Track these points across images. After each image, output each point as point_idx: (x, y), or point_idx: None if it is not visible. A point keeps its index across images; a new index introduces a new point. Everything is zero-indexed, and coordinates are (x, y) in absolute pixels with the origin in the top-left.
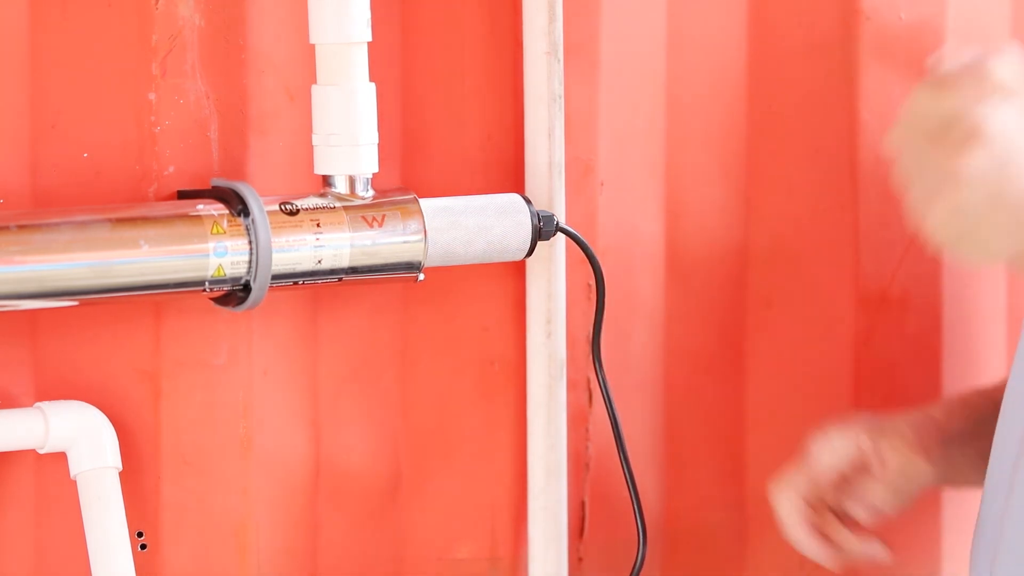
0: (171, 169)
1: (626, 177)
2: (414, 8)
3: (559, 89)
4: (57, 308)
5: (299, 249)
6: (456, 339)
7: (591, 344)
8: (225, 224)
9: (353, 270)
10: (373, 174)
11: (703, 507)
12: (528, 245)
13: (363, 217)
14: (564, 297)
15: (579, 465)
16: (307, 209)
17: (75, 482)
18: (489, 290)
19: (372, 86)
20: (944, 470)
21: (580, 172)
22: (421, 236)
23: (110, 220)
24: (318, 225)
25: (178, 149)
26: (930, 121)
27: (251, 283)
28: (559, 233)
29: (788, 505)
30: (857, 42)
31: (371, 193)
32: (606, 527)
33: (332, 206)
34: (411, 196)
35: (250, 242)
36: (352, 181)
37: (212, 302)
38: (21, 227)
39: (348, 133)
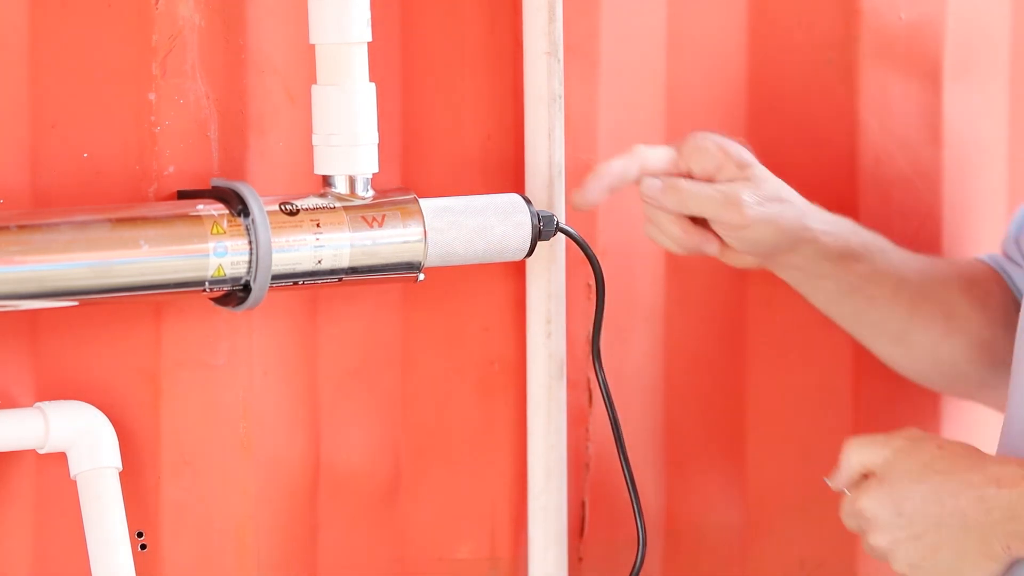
0: (171, 169)
1: None
2: (414, 8)
3: (559, 89)
4: (57, 308)
5: (299, 249)
6: (456, 339)
7: (591, 344)
8: (225, 224)
9: (353, 270)
10: (373, 174)
11: (703, 507)
12: (528, 245)
13: (363, 217)
14: (564, 297)
15: (579, 465)
16: (307, 209)
17: (75, 482)
18: (489, 290)
19: (372, 86)
20: (781, 250)
21: (580, 172)
22: (421, 236)
23: (110, 220)
24: (318, 225)
25: (178, 149)
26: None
27: (251, 283)
28: (559, 233)
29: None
30: (857, 42)
31: (371, 193)
32: (606, 527)
33: (332, 206)
34: (411, 196)
35: (250, 242)
36: (352, 181)
37: (212, 302)
38: (21, 227)
39: (348, 133)
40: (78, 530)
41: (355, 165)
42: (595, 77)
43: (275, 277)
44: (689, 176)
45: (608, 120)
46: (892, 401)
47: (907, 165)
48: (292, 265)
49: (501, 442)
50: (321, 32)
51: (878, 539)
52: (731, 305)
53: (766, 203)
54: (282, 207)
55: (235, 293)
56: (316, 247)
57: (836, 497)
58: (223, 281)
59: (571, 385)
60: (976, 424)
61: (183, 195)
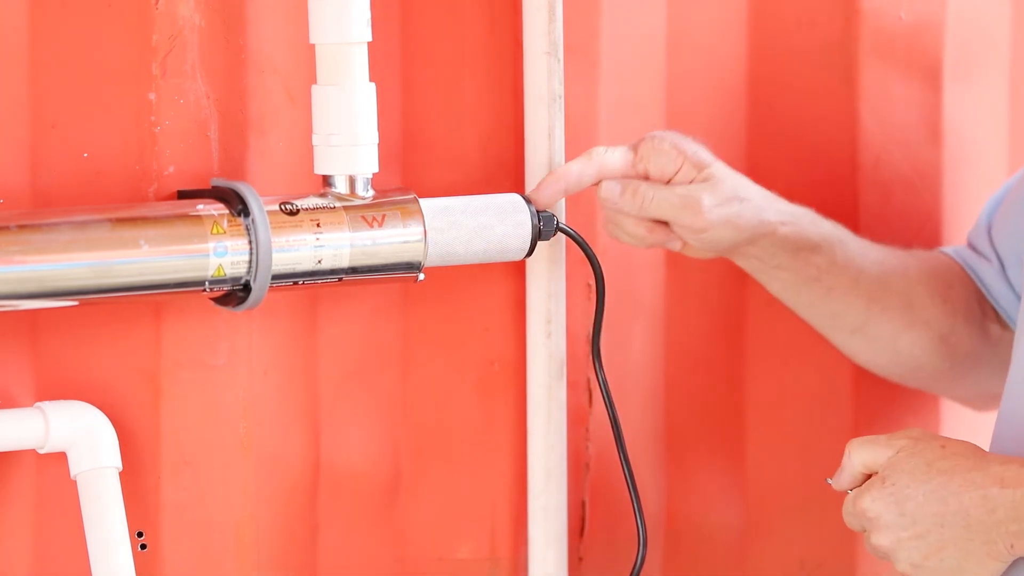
0: (171, 169)
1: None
2: (414, 8)
3: (559, 89)
4: (57, 308)
5: (299, 249)
6: (456, 339)
7: (591, 344)
8: (225, 224)
9: (353, 270)
10: (373, 174)
11: (703, 507)
12: (528, 245)
13: (363, 217)
14: (564, 297)
15: (579, 465)
16: (307, 209)
17: (75, 482)
18: (489, 290)
19: (372, 86)
20: (741, 243)
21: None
22: (421, 236)
23: (110, 220)
24: (318, 225)
25: (178, 149)
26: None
27: (251, 283)
28: (559, 233)
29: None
30: (857, 42)
31: (371, 193)
32: (606, 527)
33: (332, 206)
34: (411, 196)
35: (250, 242)
36: (352, 181)
37: (212, 302)
38: (21, 227)
39: (348, 133)
40: (78, 530)
41: (355, 165)
42: (595, 77)
43: (275, 277)
44: (646, 177)
45: (608, 120)
46: (892, 401)
47: (907, 165)
48: (292, 265)
49: (501, 442)
50: (321, 32)
51: (881, 539)
52: (731, 305)
53: (725, 204)
54: (282, 207)
55: (235, 293)
56: (316, 247)
57: (836, 497)
58: (223, 281)
59: (571, 385)
60: (976, 424)
61: (183, 195)
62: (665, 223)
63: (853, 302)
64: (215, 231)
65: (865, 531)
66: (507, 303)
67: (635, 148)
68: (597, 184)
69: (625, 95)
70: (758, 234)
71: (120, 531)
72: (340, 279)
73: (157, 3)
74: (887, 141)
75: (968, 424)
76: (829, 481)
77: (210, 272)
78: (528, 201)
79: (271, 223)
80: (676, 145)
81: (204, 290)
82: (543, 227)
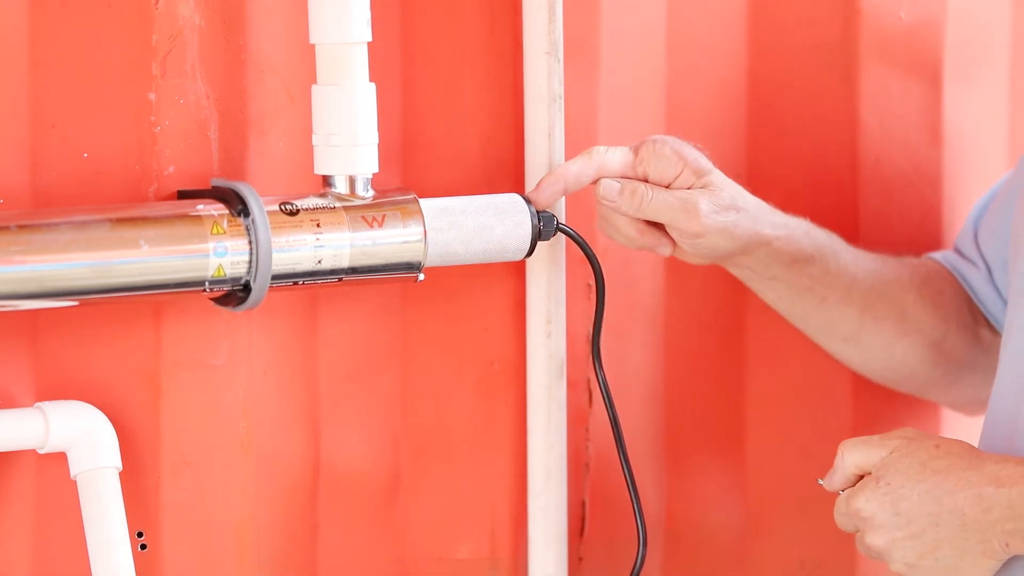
0: (171, 169)
1: None
2: (414, 8)
3: (559, 89)
4: (57, 308)
5: (299, 249)
6: (456, 339)
7: (591, 344)
8: (225, 224)
9: (353, 270)
10: (373, 174)
11: (703, 507)
12: (528, 245)
13: (363, 217)
14: (564, 297)
15: (579, 465)
16: (307, 209)
17: (75, 482)
18: (489, 290)
19: (372, 86)
20: (738, 253)
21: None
22: (421, 236)
23: (110, 220)
24: (318, 225)
25: (178, 149)
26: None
27: (251, 283)
28: (559, 233)
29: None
30: (857, 42)
31: (371, 193)
32: (606, 527)
33: (332, 206)
34: (411, 196)
35: (250, 242)
36: (352, 181)
37: (212, 302)
38: (21, 227)
39: (348, 133)
40: (78, 530)
41: (355, 165)
42: (595, 77)
43: (275, 277)
44: (645, 179)
45: (608, 120)
46: (891, 402)
47: (907, 165)
48: (292, 265)
49: (501, 442)
50: (321, 32)
51: (875, 539)
52: (731, 305)
53: (722, 212)
54: (282, 207)
55: (235, 293)
56: (316, 247)
57: (836, 497)
58: (223, 281)
59: (571, 385)
60: (975, 425)
61: (183, 195)
62: (658, 226)
63: (846, 311)
64: (215, 231)
65: (858, 532)
66: (507, 303)
67: (636, 150)
68: (596, 183)
69: (625, 95)
70: (752, 245)
71: (120, 531)
72: (340, 279)
73: (157, 3)
74: (887, 141)
75: (967, 425)
76: (821, 482)
77: (210, 272)
78: (528, 201)
79: (271, 223)
80: (677, 150)
81: (204, 290)
82: (543, 227)
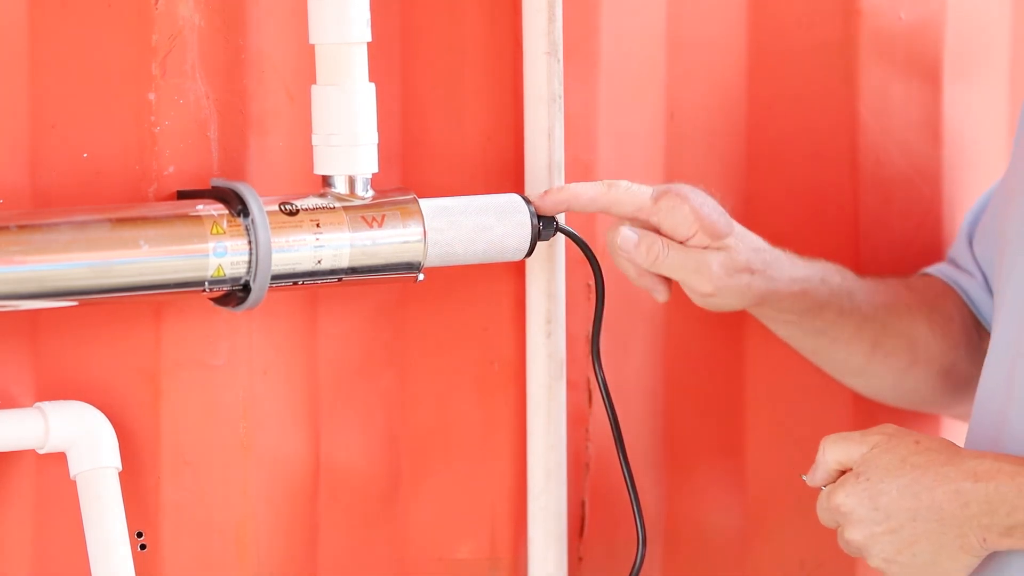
0: (171, 169)
1: (626, 177)
2: (414, 8)
3: (559, 89)
4: (57, 308)
5: (299, 249)
6: (456, 339)
7: (591, 344)
8: (225, 224)
9: (353, 270)
10: (373, 174)
11: (703, 507)
12: (528, 245)
13: (363, 217)
14: (564, 297)
15: (579, 465)
16: (307, 209)
17: (75, 482)
18: (489, 290)
19: (372, 86)
20: (753, 299)
21: (580, 172)
22: (421, 236)
23: (110, 220)
24: (318, 225)
25: (178, 149)
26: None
27: (251, 283)
28: (559, 233)
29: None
30: (857, 42)
31: (371, 193)
32: (606, 527)
33: (332, 206)
34: (411, 196)
35: (250, 242)
36: (352, 181)
37: (212, 302)
38: (21, 227)
39: (348, 133)
40: (78, 530)
41: (355, 165)
42: (595, 77)
43: (275, 277)
44: (657, 230)
45: (608, 120)
46: None
47: (907, 165)
48: (292, 265)
49: (501, 442)
50: (321, 32)
51: (854, 533)
52: None
53: (735, 275)
54: (282, 207)
55: (235, 293)
56: (316, 247)
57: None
58: (223, 281)
59: (571, 385)
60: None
61: (183, 195)
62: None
63: (857, 349)
64: (215, 231)
65: (839, 526)
66: (507, 303)
67: (656, 198)
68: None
69: (625, 95)
70: (766, 300)
71: (120, 531)
72: (340, 279)
73: (157, 3)
74: (887, 141)
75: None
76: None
77: (210, 272)
78: (528, 201)
79: (271, 223)
80: (696, 209)
81: (204, 290)
82: (543, 227)
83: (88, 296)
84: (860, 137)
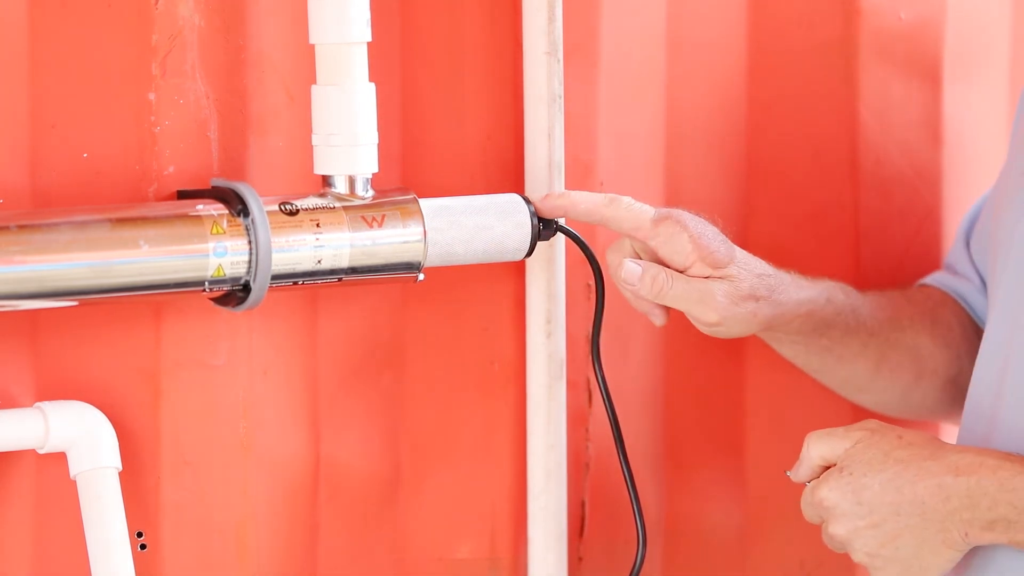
0: (171, 169)
1: (626, 177)
2: (414, 8)
3: (559, 89)
4: (57, 308)
5: (299, 249)
6: (456, 339)
7: (591, 344)
8: (225, 224)
9: (353, 270)
10: (373, 174)
11: (703, 507)
12: (528, 245)
13: (363, 217)
14: (564, 297)
15: (579, 465)
16: (307, 209)
17: (75, 482)
18: (489, 290)
19: (372, 86)
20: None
21: (580, 172)
22: (421, 236)
23: (110, 220)
24: (318, 225)
25: (178, 149)
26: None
27: (251, 283)
28: (559, 233)
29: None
30: (857, 42)
31: (371, 193)
32: (606, 527)
33: (332, 206)
34: (411, 196)
35: (250, 242)
36: (352, 181)
37: (212, 302)
38: (21, 227)
39: (348, 133)
40: (78, 530)
41: (355, 165)
42: (595, 77)
43: (275, 277)
44: (654, 255)
45: (608, 120)
46: None
47: (907, 165)
48: (292, 265)
49: (501, 442)
50: (321, 32)
51: (838, 528)
52: None
53: (740, 303)
54: (282, 207)
55: (235, 293)
56: (316, 247)
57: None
58: (223, 281)
59: (571, 385)
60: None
61: (183, 195)
62: None
63: (862, 366)
64: (215, 231)
65: (823, 521)
66: (507, 303)
67: (656, 222)
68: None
69: (625, 95)
70: (773, 325)
71: (120, 531)
72: (340, 279)
73: (157, 3)
74: (887, 141)
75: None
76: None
77: (210, 272)
78: (528, 201)
79: (271, 223)
80: (695, 238)
81: (204, 290)
82: (543, 227)
83: (88, 296)
84: (860, 137)
